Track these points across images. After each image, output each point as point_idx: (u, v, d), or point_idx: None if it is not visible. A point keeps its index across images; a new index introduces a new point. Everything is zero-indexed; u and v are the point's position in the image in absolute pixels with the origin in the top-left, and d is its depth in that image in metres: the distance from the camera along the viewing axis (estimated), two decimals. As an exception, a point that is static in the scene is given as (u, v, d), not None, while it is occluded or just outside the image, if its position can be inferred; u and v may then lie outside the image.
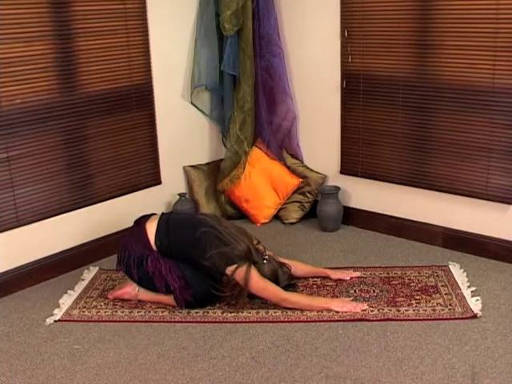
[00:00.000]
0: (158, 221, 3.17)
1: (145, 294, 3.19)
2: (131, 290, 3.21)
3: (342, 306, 3.05)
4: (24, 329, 3.02)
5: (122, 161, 3.86)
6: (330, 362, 2.64)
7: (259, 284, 3.01)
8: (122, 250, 3.15)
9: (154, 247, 3.10)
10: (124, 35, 3.72)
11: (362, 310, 3.02)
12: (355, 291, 3.24)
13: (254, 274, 3.00)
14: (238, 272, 2.98)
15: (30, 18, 3.27)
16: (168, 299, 3.13)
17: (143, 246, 3.10)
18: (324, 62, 4.03)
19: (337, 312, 3.01)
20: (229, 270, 3.00)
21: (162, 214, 3.27)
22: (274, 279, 3.10)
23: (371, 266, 3.55)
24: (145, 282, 3.13)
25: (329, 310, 3.02)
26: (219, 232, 3.08)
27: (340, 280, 3.36)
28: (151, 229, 3.13)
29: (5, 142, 3.27)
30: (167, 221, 3.18)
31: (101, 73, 3.64)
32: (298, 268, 3.36)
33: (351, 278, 3.37)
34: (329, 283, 3.34)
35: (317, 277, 3.40)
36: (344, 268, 3.51)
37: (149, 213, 3.31)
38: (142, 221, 3.21)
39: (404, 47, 3.62)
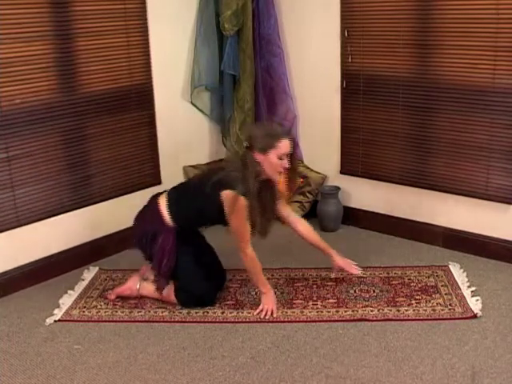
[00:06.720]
0: (168, 194, 3.15)
1: (146, 289, 3.21)
2: (133, 284, 3.24)
3: (266, 303, 3.05)
4: (24, 329, 3.02)
5: (121, 161, 3.86)
6: (330, 362, 2.64)
7: (242, 222, 2.93)
8: (136, 228, 3.18)
9: (168, 221, 3.07)
10: (124, 35, 3.72)
11: (271, 316, 3.00)
12: (355, 291, 3.24)
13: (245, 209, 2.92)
14: (238, 201, 2.89)
15: (30, 18, 3.27)
16: (168, 296, 3.14)
17: (158, 221, 3.08)
18: (324, 62, 4.03)
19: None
20: (224, 193, 2.91)
21: (171, 188, 3.22)
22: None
23: (371, 265, 3.55)
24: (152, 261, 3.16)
25: (324, 308, 3.03)
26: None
27: (341, 270, 3.33)
28: (163, 202, 3.11)
29: (5, 141, 3.27)
30: (176, 189, 3.18)
31: (101, 73, 3.64)
32: (309, 233, 3.30)
33: (350, 274, 3.34)
34: (329, 283, 3.34)
35: (321, 251, 3.33)
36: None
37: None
38: (155, 197, 3.20)
39: (404, 47, 3.62)
